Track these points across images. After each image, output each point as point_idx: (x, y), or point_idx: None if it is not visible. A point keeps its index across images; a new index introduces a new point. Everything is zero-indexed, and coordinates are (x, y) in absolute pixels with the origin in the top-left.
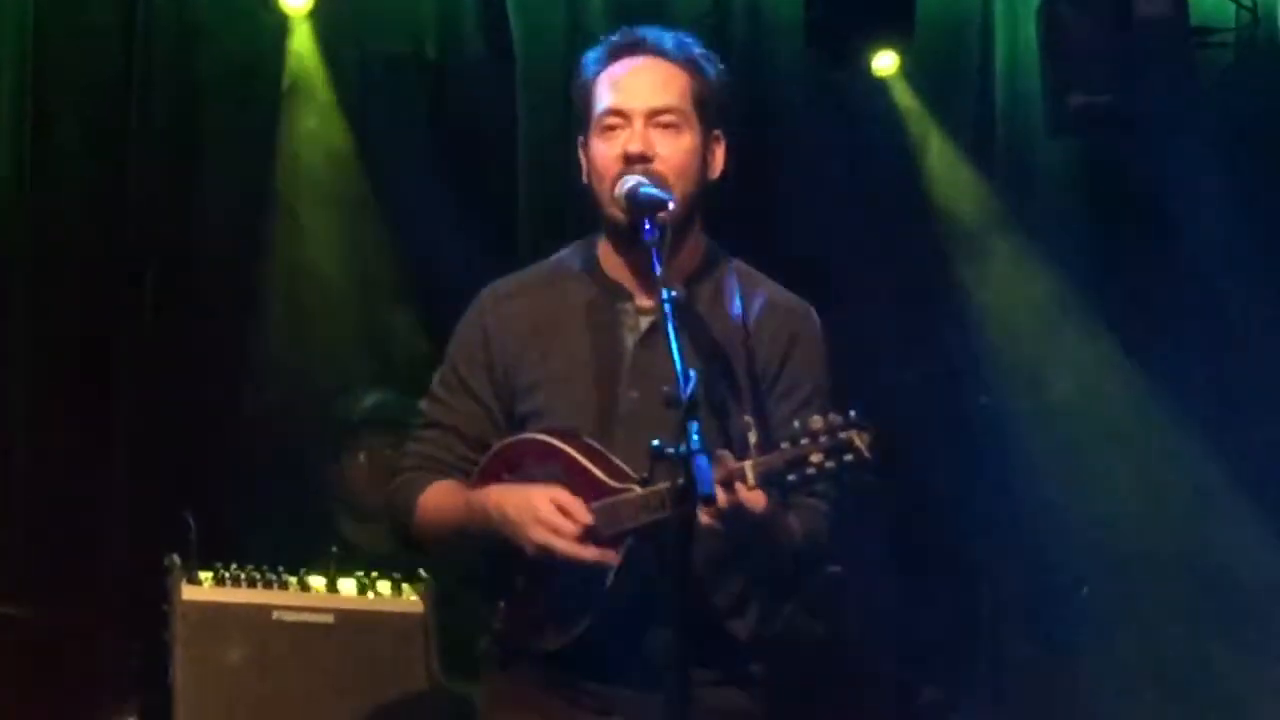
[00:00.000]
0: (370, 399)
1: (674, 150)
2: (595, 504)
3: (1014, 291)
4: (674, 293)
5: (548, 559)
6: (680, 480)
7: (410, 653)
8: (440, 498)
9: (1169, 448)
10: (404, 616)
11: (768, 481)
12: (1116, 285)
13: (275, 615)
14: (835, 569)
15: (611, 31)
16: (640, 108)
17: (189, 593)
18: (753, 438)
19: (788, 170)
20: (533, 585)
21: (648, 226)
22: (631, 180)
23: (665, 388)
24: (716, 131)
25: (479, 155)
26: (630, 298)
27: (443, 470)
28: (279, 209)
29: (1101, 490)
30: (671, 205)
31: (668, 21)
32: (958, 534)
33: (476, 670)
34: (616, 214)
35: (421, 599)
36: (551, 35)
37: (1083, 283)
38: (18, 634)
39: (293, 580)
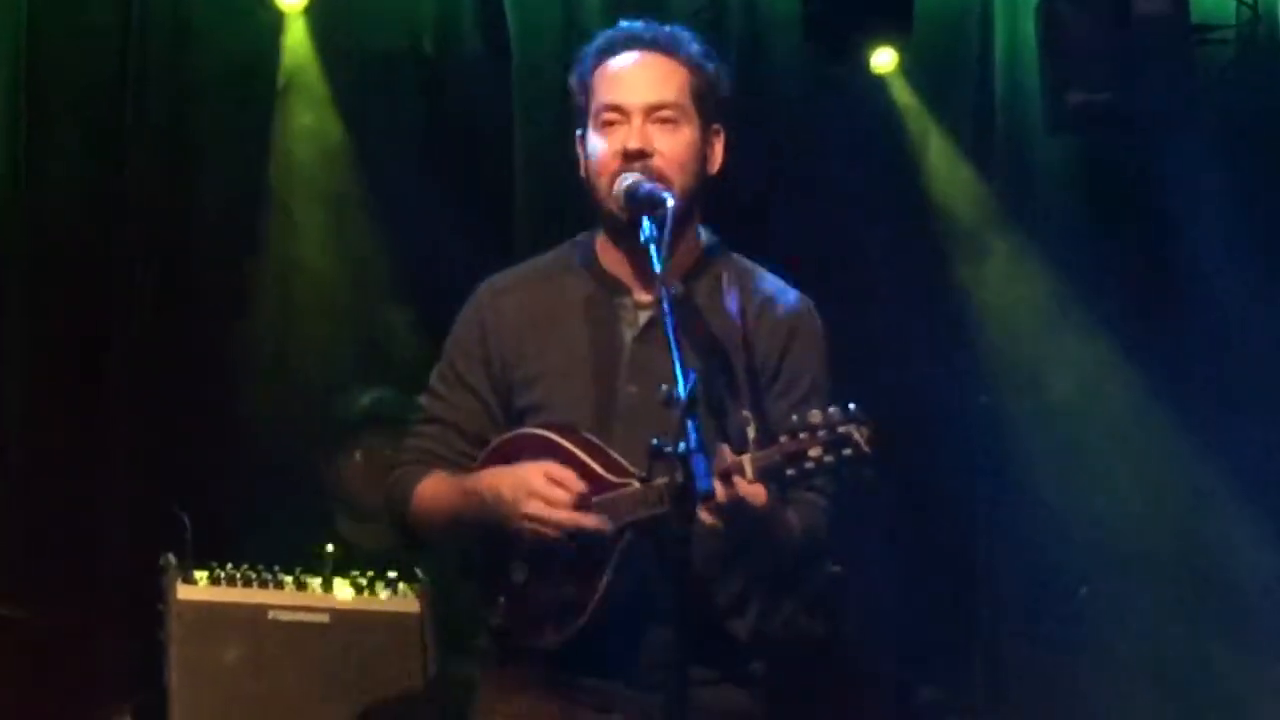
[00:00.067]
0: (367, 397)
1: (673, 146)
2: (594, 499)
3: (1013, 290)
4: (672, 291)
5: (543, 535)
6: (678, 476)
7: (406, 652)
8: (435, 486)
9: (1168, 447)
10: (400, 616)
11: (766, 476)
12: (1116, 283)
13: (271, 615)
14: (835, 569)
15: (608, 26)
16: (638, 103)
17: (184, 592)
18: (751, 433)
19: (785, 167)
20: (532, 582)
21: (646, 223)
22: (630, 177)
23: (664, 387)
24: (715, 126)
25: (475, 152)
26: (628, 292)
27: (440, 465)
28: (275, 207)
29: (1101, 490)
30: (670, 203)
31: (665, 17)
32: (957, 534)
33: (474, 669)
34: (615, 210)
35: (418, 599)
36: (548, 31)
37: (1082, 281)
38: (13, 634)
39: (288, 580)
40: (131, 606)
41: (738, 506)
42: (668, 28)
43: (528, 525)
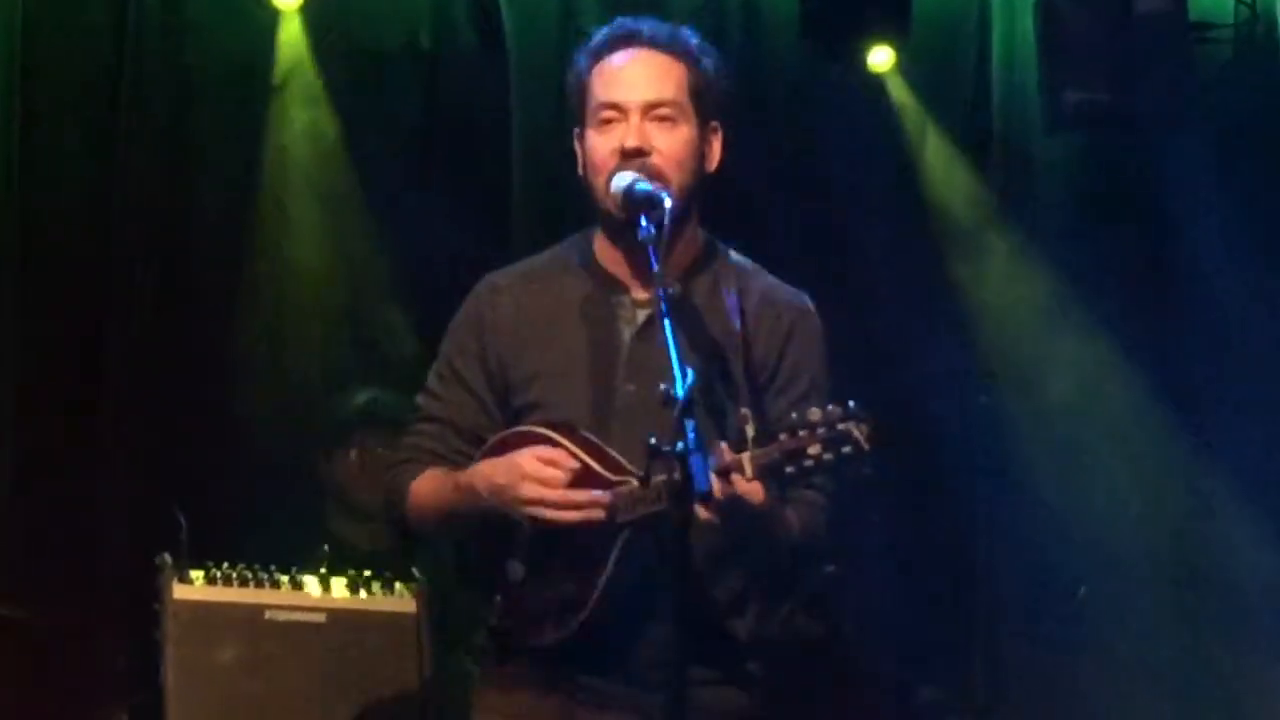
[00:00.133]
0: (363, 396)
1: (671, 143)
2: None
3: (1011, 289)
4: (670, 290)
5: (542, 517)
6: (677, 475)
7: (403, 652)
8: (431, 483)
9: (1167, 447)
10: (397, 616)
11: (766, 474)
12: (1115, 283)
13: (267, 615)
14: (831, 568)
15: (606, 23)
16: (636, 101)
17: (180, 592)
18: (750, 431)
19: (783, 166)
20: (530, 579)
21: (644, 223)
22: (628, 176)
23: (662, 386)
24: (714, 123)
25: (472, 149)
26: (626, 291)
27: (437, 462)
28: (271, 205)
29: (1101, 490)
30: (668, 203)
31: (663, 14)
32: (957, 534)
33: (471, 668)
34: (612, 209)
35: (414, 598)
36: (545, 27)
37: (1081, 280)
38: (10, 634)
39: (285, 579)
40: (128, 606)
41: (735, 504)
42: (666, 25)
43: (525, 510)
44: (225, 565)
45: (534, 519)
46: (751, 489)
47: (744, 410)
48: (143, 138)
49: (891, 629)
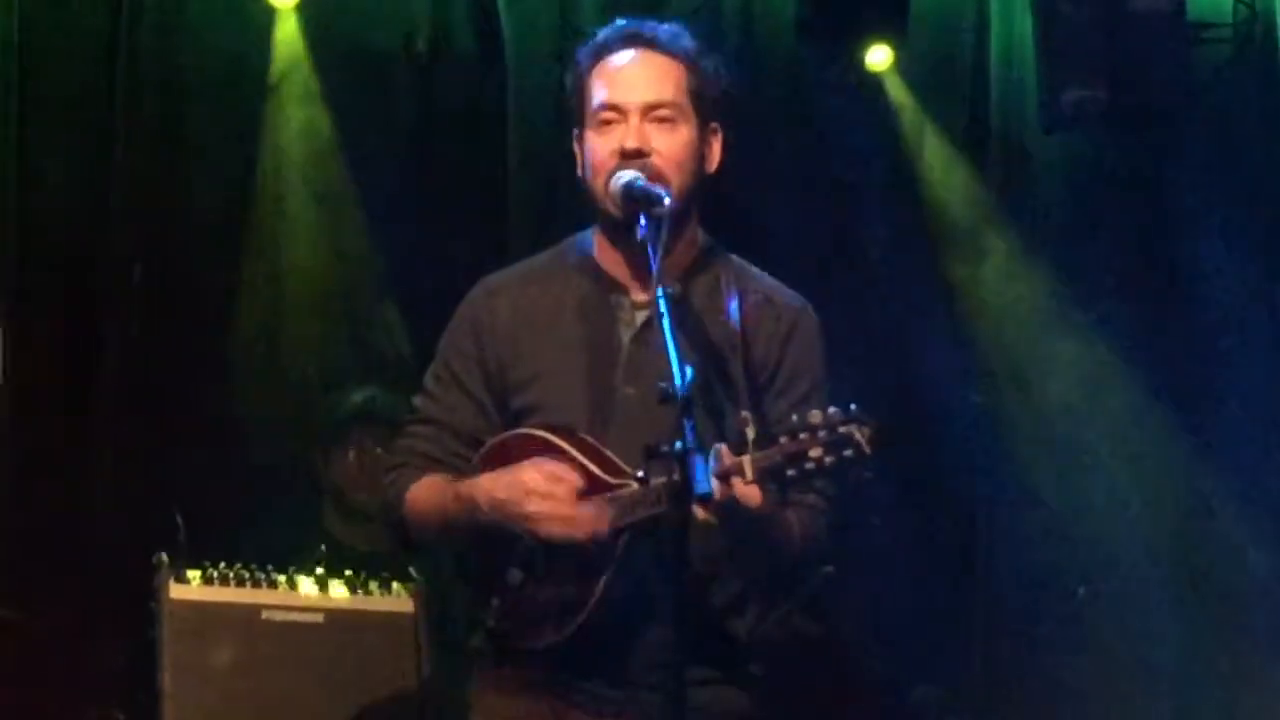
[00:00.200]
0: (359, 395)
1: (670, 144)
2: (591, 499)
3: (1010, 289)
4: (669, 289)
5: (546, 534)
6: (676, 476)
7: (400, 652)
8: (429, 491)
9: (1166, 447)
10: (394, 616)
11: (767, 476)
12: (1114, 282)
13: (264, 615)
14: (830, 569)
15: (603, 24)
16: (636, 102)
17: (177, 591)
18: (750, 433)
19: (780, 166)
20: (529, 583)
21: (642, 222)
22: (626, 175)
23: (661, 384)
24: (714, 125)
25: (469, 150)
26: (625, 292)
27: (434, 466)
28: (266, 205)
29: (1100, 490)
30: (667, 201)
31: (660, 15)
32: (956, 534)
33: (469, 669)
34: (611, 209)
35: (412, 598)
36: (542, 29)
37: (1080, 279)
38: (5, 634)
39: (282, 579)
40: (125, 606)
41: (734, 507)
42: (665, 25)
43: (528, 526)
44: (222, 565)
45: (536, 535)
46: (750, 492)
47: (744, 413)
48: (139, 137)
49: (891, 629)
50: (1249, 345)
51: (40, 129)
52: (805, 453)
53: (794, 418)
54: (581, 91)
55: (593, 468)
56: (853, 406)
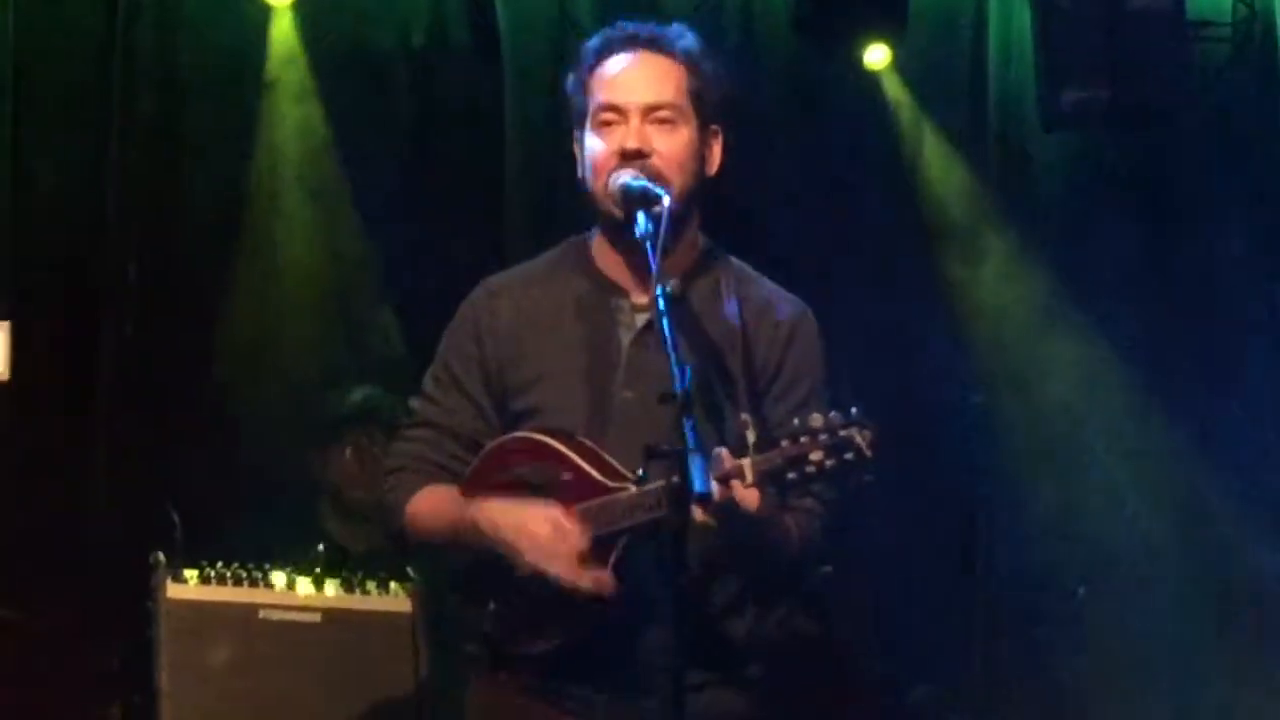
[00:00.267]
0: (358, 394)
1: (671, 146)
2: (590, 503)
3: (1010, 288)
4: (668, 288)
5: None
6: (675, 479)
7: (397, 652)
8: (431, 505)
9: (1165, 447)
10: (391, 616)
11: (767, 480)
12: (1113, 281)
13: (261, 614)
14: (828, 569)
15: (600, 23)
16: (636, 103)
17: (174, 591)
18: (751, 436)
19: (778, 165)
20: (525, 588)
21: (641, 220)
22: (625, 174)
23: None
24: (714, 127)
25: (465, 149)
26: (626, 294)
27: (433, 471)
28: (261, 203)
29: (1100, 490)
30: (666, 200)
31: (658, 14)
32: (956, 534)
33: (464, 674)
34: (611, 209)
35: (409, 598)
36: (540, 27)
37: (1079, 279)
38: (2, 634)
39: (279, 579)
40: (122, 605)
41: (733, 510)
42: (666, 27)
43: (527, 570)
44: (219, 564)
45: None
46: (749, 495)
47: (744, 416)
48: (135, 135)
49: (891, 629)
50: (1249, 345)
51: (35, 128)
52: (805, 456)
53: (794, 421)
54: (582, 92)
55: (591, 470)
56: (853, 410)
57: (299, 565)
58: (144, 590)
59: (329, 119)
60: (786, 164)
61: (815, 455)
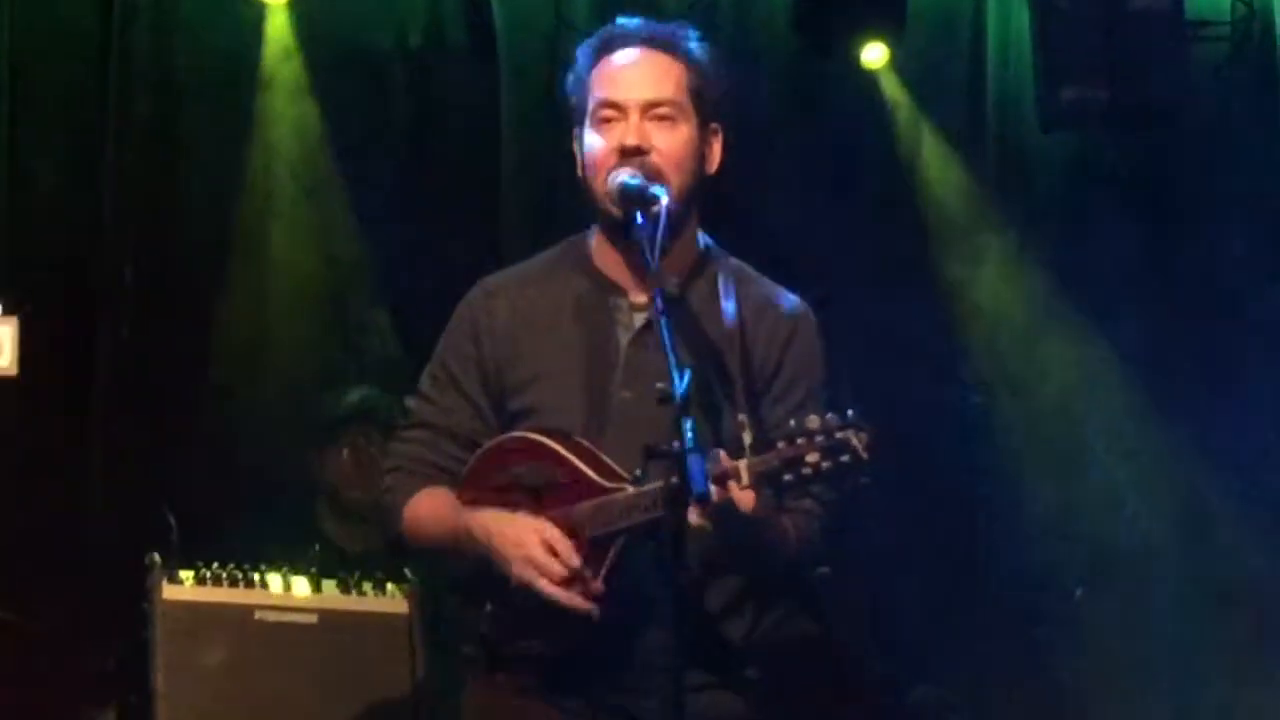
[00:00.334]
0: (355, 394)
1: (670, 143)
2: (586, 503)
3: (1007, 289)
4: (667, 289)
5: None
6: (673, 479)
7: (394, 654)
8: (429, 511)
9: (1165, 447)
10: (388, 617)
11: (764, 481)
12: (1111, 281)
13: (257, 615)
14: (826, 569)
15: (596, 22)
16: (635, 100)
17: (170, 592)
18: (747, 438)
19: (776, 164)
20: (522, 590)
21: (640, 219)
22: (623, 173)
23: (659, 385)
24: (714, 125)
25: (461, 148)
26: (624, 294)
27: (430, 472)
28: (257, 202)
29: (1100, 490)
30: (664, 198)
31: (655, 12)
32: (955, 534)
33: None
34: (609, 208)
35: (406, 599)
36: (536, 26)
37: (1077, 280)
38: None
39: (275, 580)
40: (117, 606)
41: (730, 511)
42: (666, 24)
43: (518, 583)
44: (215, 565)
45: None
46: (745, 497)
47: (741, 417)
48: (131, 137)
49: (890, 629)
50: (1249, 345)
51: (32, 129)
52: (802, 458)
53: (791, 423)
54: (581, 90)
55: (587, 471)
56: (850, 412)
57: (295, 566)
58: (140, 591)
59: (325, 118)
60: (785, 163)
61: (811, 457)
